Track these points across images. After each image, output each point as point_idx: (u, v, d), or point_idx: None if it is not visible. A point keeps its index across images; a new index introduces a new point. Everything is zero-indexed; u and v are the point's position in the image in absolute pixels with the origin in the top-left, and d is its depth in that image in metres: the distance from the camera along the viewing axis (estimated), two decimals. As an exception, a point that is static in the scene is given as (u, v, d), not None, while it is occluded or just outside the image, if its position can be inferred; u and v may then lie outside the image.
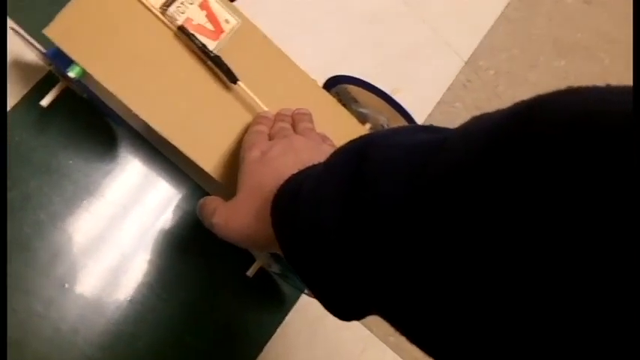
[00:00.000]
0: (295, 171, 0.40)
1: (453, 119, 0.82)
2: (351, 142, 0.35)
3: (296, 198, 0.36)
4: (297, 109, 0.51)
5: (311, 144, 0.47)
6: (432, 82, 0.83)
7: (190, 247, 0.64)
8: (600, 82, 0.22)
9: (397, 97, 0.53)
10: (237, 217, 0.44)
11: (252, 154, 0.46)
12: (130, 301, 0.60)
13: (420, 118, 0.81)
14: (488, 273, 0.22)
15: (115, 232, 0.61)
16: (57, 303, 0.58)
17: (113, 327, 0.59)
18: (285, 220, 0.38)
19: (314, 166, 0.40)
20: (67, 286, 0.59)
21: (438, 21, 0.84)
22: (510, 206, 0.21)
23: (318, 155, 0.42)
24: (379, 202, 0.28)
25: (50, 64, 0.52)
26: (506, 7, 0.89)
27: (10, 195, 0.59)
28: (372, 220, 0.29)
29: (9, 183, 0.59)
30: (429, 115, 0.82)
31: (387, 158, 0.30)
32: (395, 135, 0.32)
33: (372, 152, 0.31)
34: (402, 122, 0.54)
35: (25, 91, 0.61)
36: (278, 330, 0.66)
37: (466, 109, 0.83)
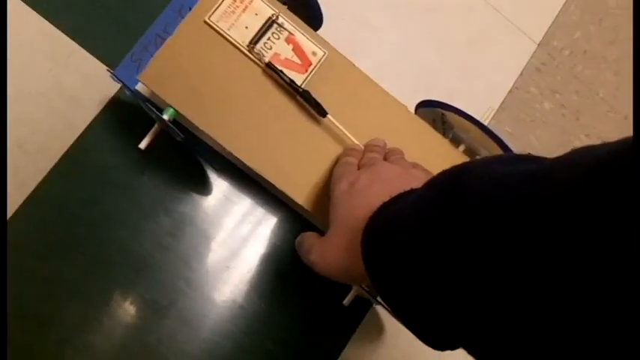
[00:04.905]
0: (386, 199, 0.39)
1: (529, 105, 0.80)
2: (444, 171, 0.35)
3: (391, 223, 0.36)
4: (390, 148, 0.50)
5: (399, 171, 0.45)
6: (502, 69, 0.81)
7: (289, 279, 0.66)
8: None
9: (488, 120, 0.52)
10: (332, 253, 0.43)
11: (341, 187, 0.46)
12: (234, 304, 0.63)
13: (492, 107, 0.79)
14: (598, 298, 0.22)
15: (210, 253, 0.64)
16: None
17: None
18: (377, 248, 0.37)
19: (405, 193, 0.39)
20: (152, 303, 0.62)
21: (503, 2, 0.81)
22: (619, 232, 0.22)
23: (408, 181, 0.42)
24: (483, 224, 0.29)
25: (146, 106, 0.52)
26: (580, -21, 0.85)
27: (117, 227, 0.62)
28: (473, 242, 0.29)
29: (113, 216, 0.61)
30: (502, 103, 0.80)
31: (487, 189, 0.30)
32: (493, 164, 0.32)
33: (469, 181, 0.31)
34: (492, 144, 0.53)
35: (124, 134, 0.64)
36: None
37: (542, 94, 0.81)
